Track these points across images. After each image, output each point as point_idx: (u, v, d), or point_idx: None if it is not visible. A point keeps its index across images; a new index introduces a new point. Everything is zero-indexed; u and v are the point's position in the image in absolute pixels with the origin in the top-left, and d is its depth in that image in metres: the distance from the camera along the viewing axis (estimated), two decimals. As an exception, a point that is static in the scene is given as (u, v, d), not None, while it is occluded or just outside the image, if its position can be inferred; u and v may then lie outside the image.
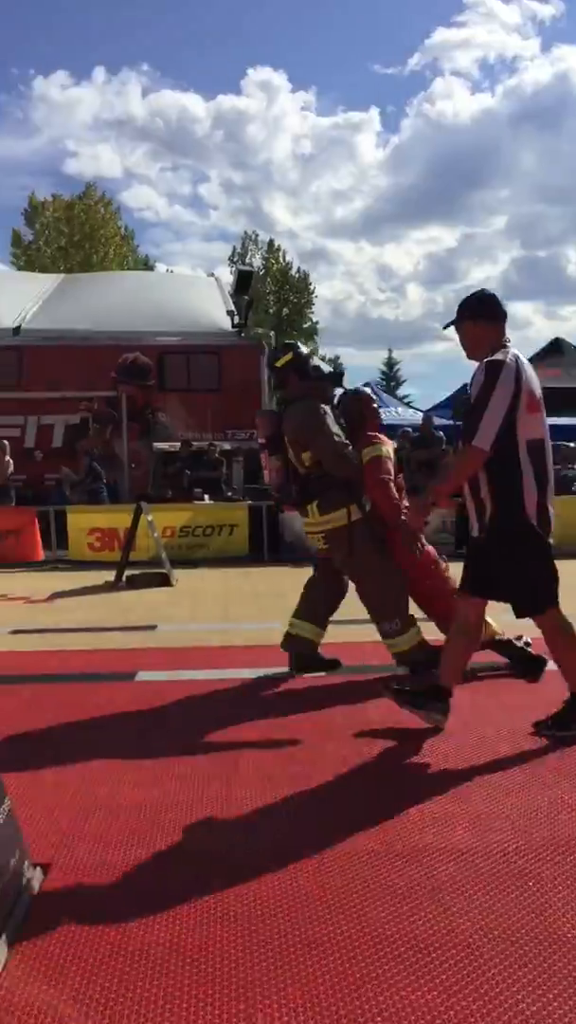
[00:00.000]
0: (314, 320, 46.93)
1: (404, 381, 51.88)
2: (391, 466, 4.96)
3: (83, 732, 4.14)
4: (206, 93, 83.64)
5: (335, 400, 5.30)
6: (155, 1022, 1.97)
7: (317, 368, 5.16)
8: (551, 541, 3.81)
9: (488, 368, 3.68)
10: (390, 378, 50.62)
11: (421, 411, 20.22)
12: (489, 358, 3.73)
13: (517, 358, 3.75)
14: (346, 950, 2.24)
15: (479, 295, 3.96)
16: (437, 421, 16.04)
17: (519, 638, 4.99)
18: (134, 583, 9.63)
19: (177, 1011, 2.00)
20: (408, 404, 27.80)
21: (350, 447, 4.95)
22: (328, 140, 69.71)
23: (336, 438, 4.89)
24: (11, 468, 14.09)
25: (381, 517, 4.95)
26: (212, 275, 23.30)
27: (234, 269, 28.86)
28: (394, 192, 72.21)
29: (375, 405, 5.31)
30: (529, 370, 3.79)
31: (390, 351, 57.33)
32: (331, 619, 5.27)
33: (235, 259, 44.65)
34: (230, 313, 16.47)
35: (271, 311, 43.60)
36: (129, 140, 71.70)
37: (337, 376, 5.31)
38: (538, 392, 3.82)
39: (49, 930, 2.35)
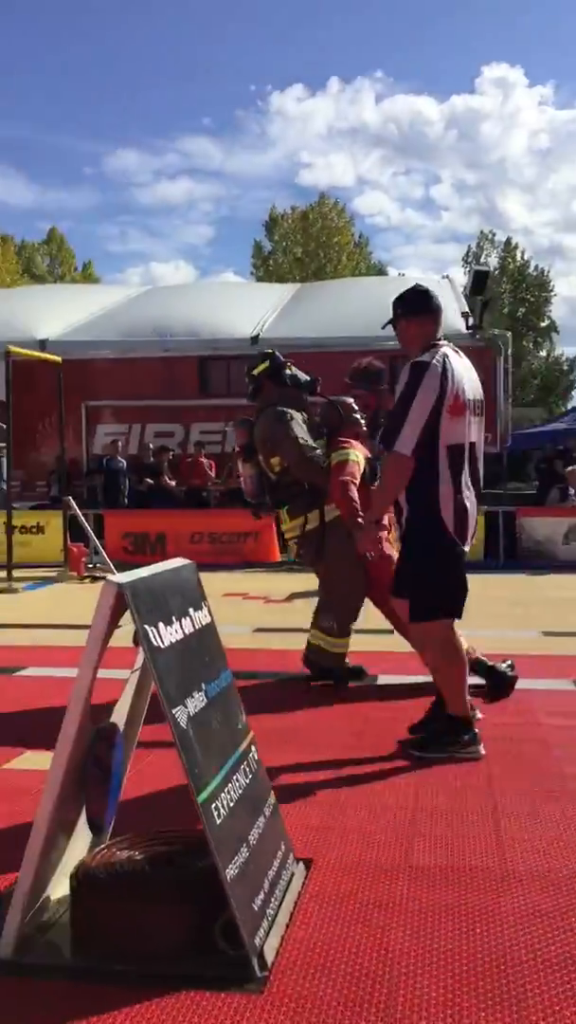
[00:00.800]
0: (552, 318, 45.31)
1: None
2: (357, 470, 4.91)
3: (325, 730, 4.21)
4: (439, 95, 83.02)
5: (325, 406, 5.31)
6: (424, 1031, 1.95)
7: (293, 376, 5.26)
8: (466, 549, 3.77)
9: (412, 370, 3.63)
10: None
11: None
12: (415, 359, 3.67)
13: (445, 358, 3.66)
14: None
15: (412, 291, 3.94)
16: None
17: (504, 662, 4.84)
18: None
19: (447, 1020, 1.98)
20: None
21: (317, 451, 5.05)
22: (567, 133, 66.94)
23: (301, 442, 5.01)
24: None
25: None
26: (446, 277, 23.02)
27: (469, 270, 28.43)
28: None
29: (356, 414, 5.24)
30: (460, 370, 3.69)
31: (632, 349, 54.36)
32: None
33: (469, 259, 43.96)
34: (465, 315, 16.21)
35: (506, 311, 42.53)
36: (362, 147, 72.52)
37: (311, 384, 5.31)
38: (468, 394, 3.71)
39: (313, 927, 2.39)
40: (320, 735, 4.17)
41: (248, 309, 18.28)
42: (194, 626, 2.55)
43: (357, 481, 4.87)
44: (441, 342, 3.78)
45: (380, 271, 43.04)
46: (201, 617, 2.64)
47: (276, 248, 40.82)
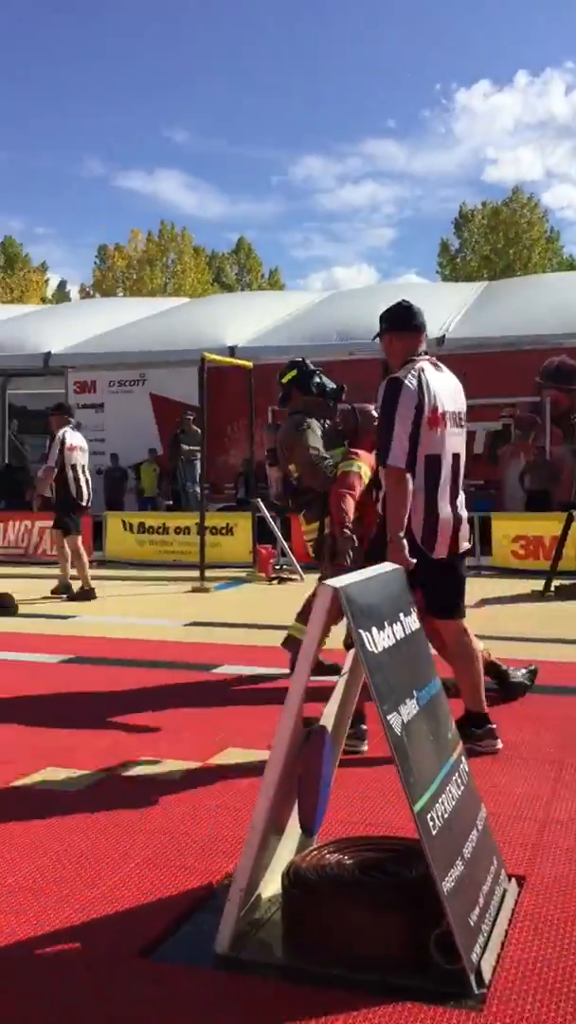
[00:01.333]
0: None
1: None
2: (357, 482, 4.93)
3: (529, 743, 4.07)
4: None
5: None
6: None
7: (320, 385, 5.43)
8: (433, 558, 3.77)
9: (389, 386, 3.73)
10: None
11: None
12: (391, 375, 3.77)
13: (422, 371, 3.74)
14: None
15: (397, 308, 4.00)
16: None
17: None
18: (564, 594, 9.35)
19: None
20: None
21: (327, 461, 5.11)
22: None
23: (312, 451, 5.12)
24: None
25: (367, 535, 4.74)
26: None
27: None
28: None
29: (375, 422, 4.99)
30: (437, 383, 3.78)
31: None
32: None
33: None
34: None
35: None
36: (551, 140, 70.17)
37: (336, 392, 5.45)
38: (447, 406, 3.80)
39: (530, 948, 2.30)
40: (523, 746, 4.03)
41: (432, 310, 17.83)
42: (404, 632, 2.52)
43: (356, 493, 4.93)
44: (420, 356, 3.87)
45: (572, 266, 41.55)
46: (410, 623, 2.61)
47: (464, 246, 40.23)
